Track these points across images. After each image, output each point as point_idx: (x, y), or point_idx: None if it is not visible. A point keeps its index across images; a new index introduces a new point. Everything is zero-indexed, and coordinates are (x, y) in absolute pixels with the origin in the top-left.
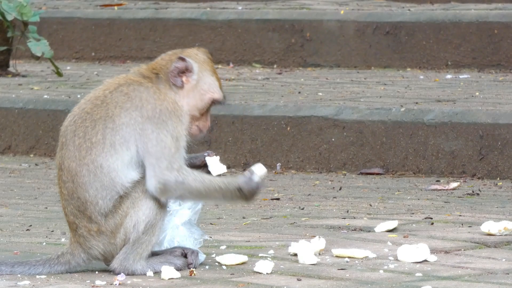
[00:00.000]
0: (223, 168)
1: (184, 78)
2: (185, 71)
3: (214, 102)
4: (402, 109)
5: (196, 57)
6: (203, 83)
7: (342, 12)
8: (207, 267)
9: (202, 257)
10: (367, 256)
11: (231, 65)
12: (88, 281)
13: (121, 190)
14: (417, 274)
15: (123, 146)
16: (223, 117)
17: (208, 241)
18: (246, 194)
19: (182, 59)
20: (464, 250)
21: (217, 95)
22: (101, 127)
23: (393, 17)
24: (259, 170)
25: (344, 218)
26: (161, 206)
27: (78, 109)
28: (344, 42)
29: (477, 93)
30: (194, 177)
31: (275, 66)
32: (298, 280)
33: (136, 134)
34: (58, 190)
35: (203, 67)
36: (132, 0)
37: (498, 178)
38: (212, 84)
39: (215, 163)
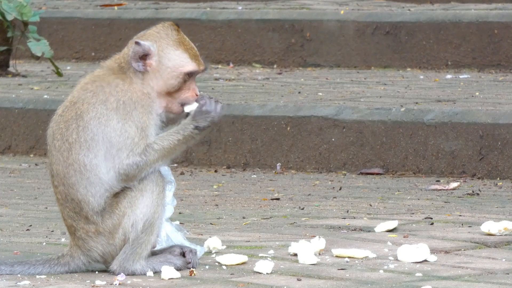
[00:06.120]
0: None
1: (146, 62)
2: (145, 54)
3: (189, 74)
4: (402, 109)
5: (156, 36)
6: (166, 61)
7: (342, 12)
8: (207, 267)
9: (201, 250)
10: (367, 256)
11: (231, 65)
12: (88, 281)
13: (109, 187)
14: (417, 274)
15: (94, 141)
16: (223, 117)
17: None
18: (206, 128)
19: (137, 43)
20: (464, 250)
21: (188, 67)
22: (74, 127)
23: (393, 17)
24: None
25: (344, 218)
26: (159, 204)
27: (54, 116)
28: (344, 42)
29: (477, 93)
30: (155, 148)
31: (275, 66)
32: (298, 280)
33: (102, 126)
34: (55, 196)
35: (164, 44)
36: (132, 0)
37: (498, 178)
38: (177, 59)
39: None
